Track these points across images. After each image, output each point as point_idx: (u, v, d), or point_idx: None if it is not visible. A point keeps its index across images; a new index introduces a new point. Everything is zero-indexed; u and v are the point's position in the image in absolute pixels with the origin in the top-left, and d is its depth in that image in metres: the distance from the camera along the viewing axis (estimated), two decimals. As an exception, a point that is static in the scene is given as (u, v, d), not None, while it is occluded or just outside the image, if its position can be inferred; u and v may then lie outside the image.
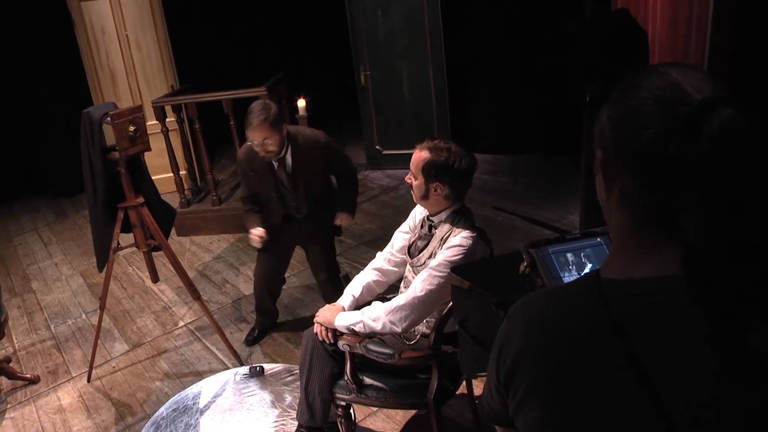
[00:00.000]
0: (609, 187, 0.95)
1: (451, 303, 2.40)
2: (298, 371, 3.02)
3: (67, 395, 3.95)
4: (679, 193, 0.83)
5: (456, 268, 2.01)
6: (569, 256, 1.55)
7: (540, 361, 0.93)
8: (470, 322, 2.00)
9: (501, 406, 1.06)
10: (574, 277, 1.51)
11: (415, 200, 2.69)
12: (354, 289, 2.91)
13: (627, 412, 0.84)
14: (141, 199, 3.77)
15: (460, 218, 2.61)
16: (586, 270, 1.53)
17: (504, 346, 1.00)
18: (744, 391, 0.81)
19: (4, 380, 4.12)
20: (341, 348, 2.68)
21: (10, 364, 4.24)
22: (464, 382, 3.03)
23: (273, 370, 3.87)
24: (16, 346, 4.64)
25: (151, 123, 5.95)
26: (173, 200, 6.49)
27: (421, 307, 2.53)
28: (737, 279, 0.79)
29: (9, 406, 3.91)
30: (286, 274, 5.02)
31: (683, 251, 0.84)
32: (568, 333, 0.92)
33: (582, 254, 1.56)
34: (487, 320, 1.61)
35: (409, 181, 2.65)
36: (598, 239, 1.59)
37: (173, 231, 6.09)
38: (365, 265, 3.07)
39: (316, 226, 3.99)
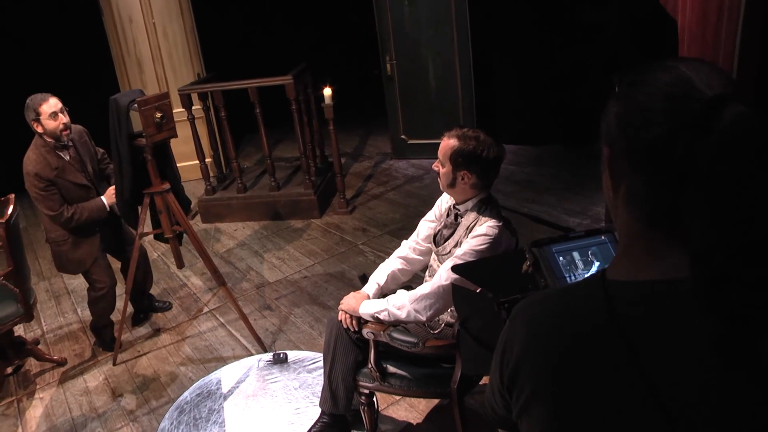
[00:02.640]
0: (615, 185, 0.92)
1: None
2: (321, 358, 3.03)
3: (93, 378, 4.01)
4: (688, 192, 0.80)
5: (457, 266, 2.00)
6: (576, 254, 1.53)
7: (543, 363, 0.92)
8: (472, 322, 1.99)
9: (504, 410, 1.05)
10: (580, 276, 1.49)
11: (441, 188, 2.68)
12: (379, 277, 2.91)
13: (630, 414, 0.83)
14: (167, 185, 3.80)
15: (486, 207, 2.59)
16: (594, 268, 1.51)
17: (507, 348, 0.99)
18: (747, 395, 0.79)
19: (33, 362, 4.20)
20: (365, 336, 2.68)
21: (39, 346, 4.31)
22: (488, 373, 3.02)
23: (296, 357, 3.88)
24: (45, 328, 4.71)
25: (177, 111, 5.98)
26: (199, 187, 6.56)
27: (446, 295, 2.52)
28: (746, 282, 0.77)
29: (38, 386, 3.98)
30: (310, 262, 5.07)
31: (690, 253, 0.81)
32: (572, 335, 0.90)
33: (589, 252, 1.54)
34: (489, 320, 1.60)
35: (436, 168, 2.63)
36: (603, 237, 1.56)
37: (198, 218, 6.16)
38: (389, 254, 3.06)
39: None
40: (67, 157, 3.84)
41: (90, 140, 4.03)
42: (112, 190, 3.92)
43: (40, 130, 3.72)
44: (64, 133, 3.75)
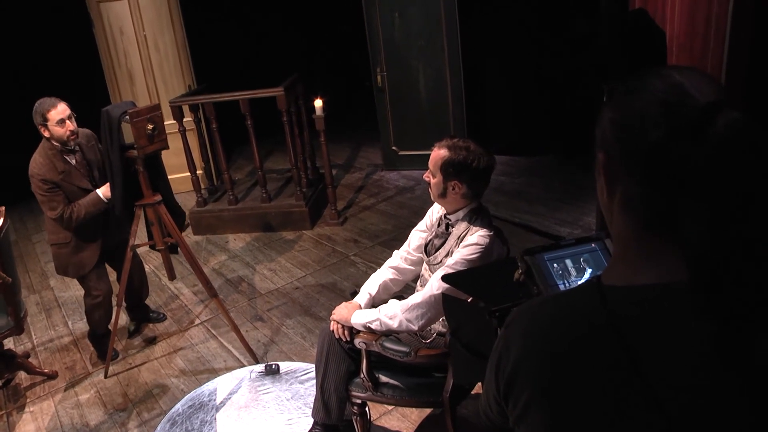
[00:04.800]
0: (611, 191, 0.93)
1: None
2: (313, 369, 3.03)
3: (84, 391, 3.99)
4: (684, 197, 0.82)
5: (448, 276, 2.01)
6: (568, 262, 1.54)
7: (540, 369, 0.92)
8: (463, 331, 1.99)
9: (500, 417, 1.05)
10: (573, 283, 1.49)
11: (432, 198, 2.69)
12: (370, 287, 2.91)
13: (629, 417, 0.83)
14: (159, 197, 3.80)
15: (477, 217, 2.61)
16: (587, 275, 1.52)
17: (503, 355, 0.98)
18: (744, 396, 0.80)
19: (23, 375, 4.17)
20: (357, 346, 2.69)
21: (29, 360, 4.29)
22: (480, 382, 3.02)
23: (289, 368, 3.88)
24: (35, 341, 4.69)
25: (169, 123, 5.98)
26: (190, 199, 6.55)
27: (437, 305, 2.53)
28: (743, 285, 0.78)
29: (28, 400, 3.96)
30: (302, 273, 5.07)
31: (687, 257, 0.82)
32: (569, 340, 0.91)
33: (582, 259, 1.55)
34: (481, 329, 1.60)
35: (427, 179, 2.65)
36: (593, 245, 1.57)
37: (190, 230, 6.16)
38: (381, 264, 3.07)
39: None
40: (74, 162, 3.87)
41: (97, 144, 4.03)
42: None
43: (47, 134, 3.76)
44: (71, 138, 3.78)
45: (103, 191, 3.85)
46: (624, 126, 0.88)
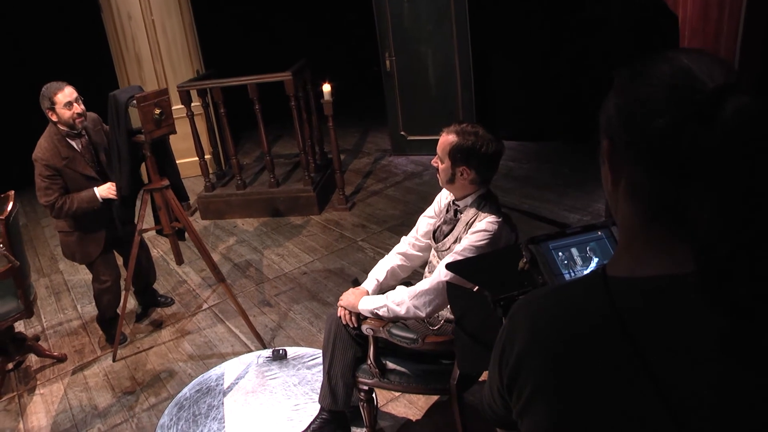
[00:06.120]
0: (616, 178, 0.91)
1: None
2: (320, 355, 3.03)
3: (93, 374, 4.01)
4: (691, 185, 0.80)
5: (451, 264, 2.01)
6: (574, 251, 1.51)
7: (545, 361, 0.90)
8: (467, 319, 1.98)
9: (504, 409, 1.04)
10: (579, 273, 1.48)
11: (440, 184, 2.67)
12: (378, 273, 2.90)
13: (635, 410, 0.82)
14: (166, 182, 3.79)
15: (485, 203, 2.59)
16: (593, 264, 1.50)
17: (506, 346, 0.97)
18: (752, 390, 0.79)
19: (33, 358, 4.20)
20: (365, 332, 2.68)
21: (39, 343, 4.31)
22: (485, 371, 3.01)
23: (296, 354, 3.88)
24: (45, 325, 4.71)
25: (177, 107, 5.98)
26: (198, 184, 6.55)
27: (445, 291, 2.52)
28: (752, 278, 0.76)
29: (38, 382, 3.99)
30: (310, 258, 5.06)
31: (694, 248, 0.80)
32: (573, 331, 0.89)
33: (588, 248, 1.53)
34: (485, 318, 1.59)
35: (435, 164, 2.63)
36: (599, 233, 1.55)
37: (197, 214, 6.16)
38: (389, 250, 3.06)
39: None
40: (79, 147, 3.85)
41: (104, 128, 4.01)
42: (110, 185, 3.84)
43: (54, 118, 3.74)
44: (78, 121, 3.75)
45: (101, 191, 3.83)
46: (629, 112, 0.85)
